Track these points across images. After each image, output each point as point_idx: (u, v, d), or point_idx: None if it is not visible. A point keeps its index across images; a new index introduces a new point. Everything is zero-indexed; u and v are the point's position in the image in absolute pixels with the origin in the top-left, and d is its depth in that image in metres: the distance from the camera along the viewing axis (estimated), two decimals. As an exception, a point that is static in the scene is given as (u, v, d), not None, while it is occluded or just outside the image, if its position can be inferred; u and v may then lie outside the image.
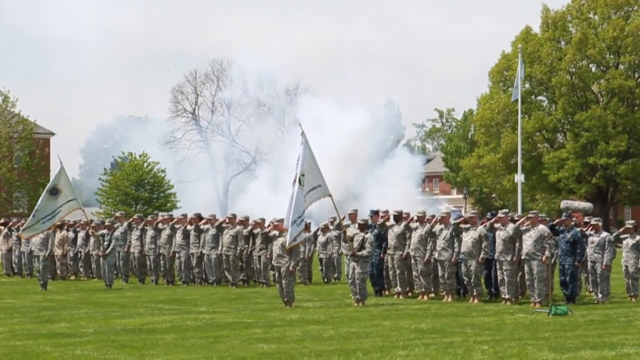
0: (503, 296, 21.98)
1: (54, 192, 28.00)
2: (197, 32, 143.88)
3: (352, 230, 22.84)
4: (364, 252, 21.82)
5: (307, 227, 27.15)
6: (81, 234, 32.71)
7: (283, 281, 21.54)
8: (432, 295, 23.49)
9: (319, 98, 71.06)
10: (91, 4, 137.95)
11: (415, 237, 23.36)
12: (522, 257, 21.54)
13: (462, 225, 22.61)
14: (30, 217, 28.34)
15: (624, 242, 23.17)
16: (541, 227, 21.50)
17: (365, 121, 67.58)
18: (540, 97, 70.70)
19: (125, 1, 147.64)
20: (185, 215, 30.32)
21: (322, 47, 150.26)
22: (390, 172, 65.18)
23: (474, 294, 22.36)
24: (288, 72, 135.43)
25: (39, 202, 28.16)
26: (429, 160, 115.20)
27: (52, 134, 79.15)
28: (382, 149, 69.69)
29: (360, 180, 62.59)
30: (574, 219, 22.84)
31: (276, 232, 22.67)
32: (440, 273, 22.94)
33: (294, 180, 21.38)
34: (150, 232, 29.91)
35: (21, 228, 28.82)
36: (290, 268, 21.47)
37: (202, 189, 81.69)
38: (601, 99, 67.62)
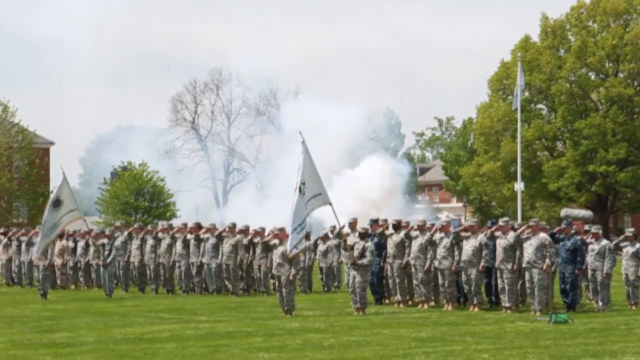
0: (503, 304, 21.97)
1: (57, 204, 27.97)
2: (195, 40, 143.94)
3: (352, 239, 22.83)
4: (364, 261, 21.81)
5: (307, 236, 27.14)
6: (81, 244, 32.70)
7: (283, 290, 21.53)
8: (433, 303, 23.47)
9: (307, 102, 70.10)
10: (88, 12, 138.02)
11: (415, 245, 23.34)
12: (523, 265, 21.53)
13: (463, 234, 22.61)
14: (40, 236, 28.23)
15: (624, 250, 23.16)
16: (542, 235, 21.49)
17: (353, 125, 66.92)
18: (539, 106, 70.74)
19: (123, 9, 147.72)
20: (185, 225, 30.31)
21: (321, 54, 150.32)
22: (364, 175, 63.43)
23: (475, 302, 22.35)
24: (287, 79, 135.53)
25: (44, 218, 28.14)
26: (428, 169, 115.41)
27: (52, 143, 79.23)
28: (357, 152, 67.71)
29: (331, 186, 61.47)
30: (574, 227, 22.85)
31: (276, 241, 22.66)
32: (440, 281, 22.93)
33: (295, 188, 21.40)
34: (150, 242, 29.90)
35: (34, 253, 28.58)
36: (291, 277, 21.46)
37: (201, 198, 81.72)
38: (601, 107, 67.67)
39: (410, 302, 23.92)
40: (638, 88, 66.77)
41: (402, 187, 68.75)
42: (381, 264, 23.97)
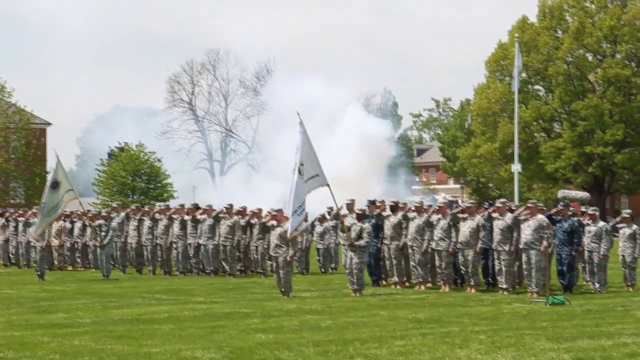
0: (500, 286, 21.99)
1: (55, 185, 28.05)
2: (192, 19, 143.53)
3: (349, 220, 22.81)
4: (362, 242, 21.82)
5: (304, 218, 27.13)
6: (78, 225, 32.69)
7: (280, 271, 21.53)
8: (430, 285, 23.49)
9: (299, 82, 69.22)
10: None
11: (412, 227, 23.34)
12: (521, 246, 21.54)
13: (460, 215, 22.62)
14: (39, 215, 28.33)
15: (621, 231, 23.16)
16: (540, 216, 21.49)
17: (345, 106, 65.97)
18: (537, 87, 70.78)
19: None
20: (182, 206, 30.30)
21: (317, 34, 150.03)
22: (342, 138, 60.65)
23: (471, 283, 22.37)
24: (284, 60, 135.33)
25: (44, 200, 28.17)
26: (425, 150, 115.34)
27: (49, 124, 79.12)
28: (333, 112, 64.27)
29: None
30: (571, 208, 22.84)
31: (274, 222, 22.65)
32: (437, 263, 22.95)
33: (294, 170, 21.36)
34: (147, 223, 29.89)
35: (32, 230, 28.69)
36: (288, 258, 21.46)
37: (198, 178, 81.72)
38: (598, 88, 67.67)
39: (407, 284, 23.95)
40: (635, 69, 66.78)
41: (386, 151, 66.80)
42: (378, 245, 23.98)
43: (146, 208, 31.74)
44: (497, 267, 22.17)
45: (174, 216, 29.36)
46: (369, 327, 15.77)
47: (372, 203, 24.66)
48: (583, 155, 66.11)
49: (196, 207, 29.51)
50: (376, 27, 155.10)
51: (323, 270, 30.42)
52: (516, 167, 59.35)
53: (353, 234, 21.92)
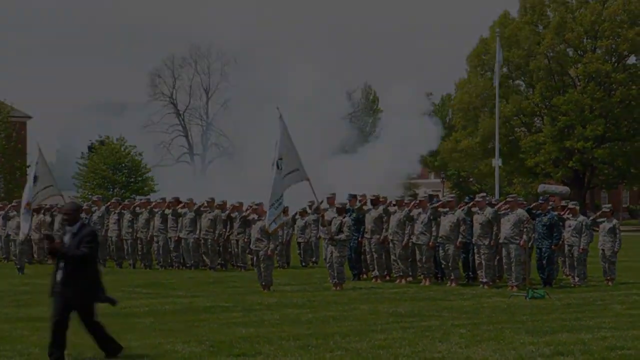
0: (480, 280, 22.06)
1: (34, 180, 27.87)
2: (173, 12, 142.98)
3: (330, 214, 22.83)
4: (342, 236, 21.84)
5: (285, 211, 27.14)
6: (58, 218, 32.53)
7: (261, 265, 21.54)
8: (410, 279, 23.53)
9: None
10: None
11: (393, 221, 23.38)
12: (500, 240, 21.61)
13: (440, 209, 22.67)
14: (21, 213, 28.06)
15: (601, 226, 23.28)
16: (520, 211, 21.57)
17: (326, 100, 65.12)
18: (517, 81, 70.95)
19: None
20: (163, 199, 30.23)
21: (297, 28, 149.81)
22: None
23: (452, 277, 22.42)
24: (261, 51, 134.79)
25: (23, 197, 27.92)
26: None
27: (29, 117, 78.73)
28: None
29: None
30: (551, 202, 22.94)
31: (255, 216, 22.64)
32: (418, 257, 23.00)
33: (272, 164, 21.35)
34: (127, 216, 29.81)
35: (20, 236, 28.37)
36: (269, 252, 21.47)
37: (179, 172, 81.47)
38: (578, 83, 67.89)
39: (388, 278, 23.98)
40: (616, 64, 67.02)
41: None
42: (359, 239, 24.00)
43: (126, 202, 31.64)
44: (477, 261, 22.23)
45: (155, 210, 29.29)
46: (349, 320, 15.79)
47: (352, 197, 24.68)
48: (563, 150, 66.33)
49: (177, 200, 29.44)
50: (357, 21, 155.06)
51: (304, 264, 30.44)
52: (497, 162, 59.45)
53: (333, 228, 21.93)
